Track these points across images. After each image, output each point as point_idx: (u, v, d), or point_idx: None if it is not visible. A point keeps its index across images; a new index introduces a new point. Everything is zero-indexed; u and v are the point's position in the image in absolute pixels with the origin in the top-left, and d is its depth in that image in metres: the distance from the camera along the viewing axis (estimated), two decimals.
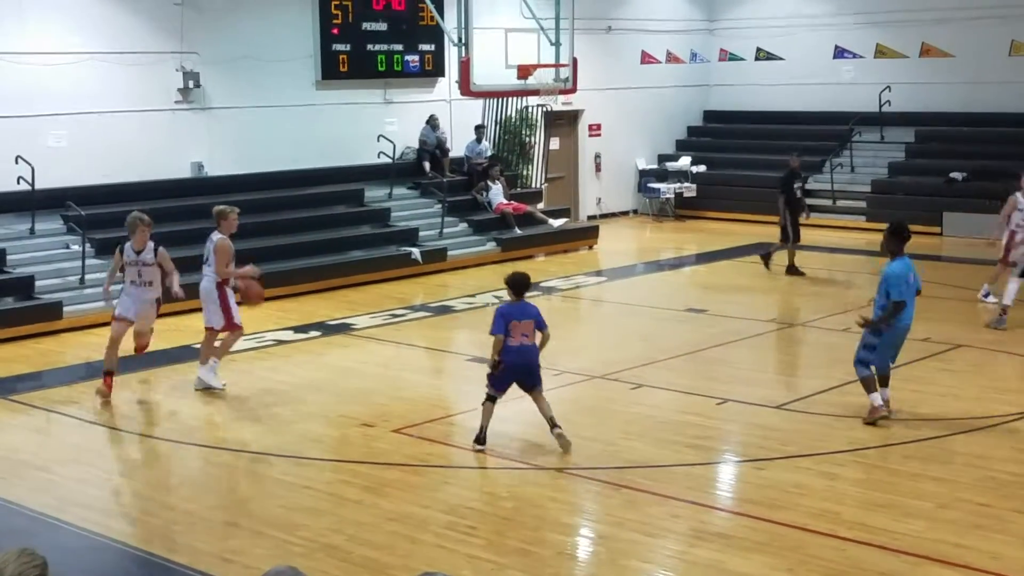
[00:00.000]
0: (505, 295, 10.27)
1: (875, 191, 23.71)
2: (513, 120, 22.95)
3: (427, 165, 21.04)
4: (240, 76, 18.93)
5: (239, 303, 12.22)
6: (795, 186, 18.42)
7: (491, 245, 20.33)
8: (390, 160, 20.55)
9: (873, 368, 10.59)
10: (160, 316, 12.02)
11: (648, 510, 8.57)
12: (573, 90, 20.22)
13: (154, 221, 12.06)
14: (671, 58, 26.67)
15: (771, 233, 21.49)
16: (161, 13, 17.99)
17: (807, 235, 19.27)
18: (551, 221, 21.36)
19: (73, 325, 14.83)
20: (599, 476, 9.33)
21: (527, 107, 22.93)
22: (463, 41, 18.05)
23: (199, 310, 12.39)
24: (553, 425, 9.72)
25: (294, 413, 11.28)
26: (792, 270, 18.29)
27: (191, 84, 18.22)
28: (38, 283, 15.33)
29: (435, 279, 18.56)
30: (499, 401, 9.92)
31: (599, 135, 25.43)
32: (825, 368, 12.85)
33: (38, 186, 16.20)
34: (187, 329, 13.74)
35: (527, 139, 23.22)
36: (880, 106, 24.50)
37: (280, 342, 14.13)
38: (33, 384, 12.65)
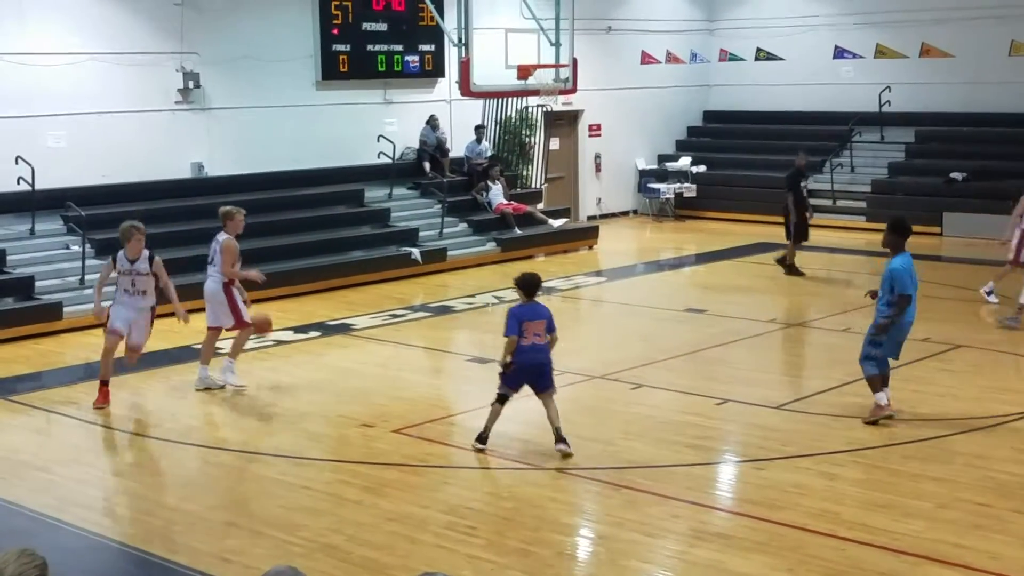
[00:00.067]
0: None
1: (875, 191, 23.71)
2: (513, 120, 22.95)
3: (427, 165, 21.05)
4: (240, 76, 18.94)
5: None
6: (801, 185, 18.42)
7: (491, 245, 20.33)
8: (390, 160, 20.56)
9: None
10: (159, 316, 11.96)
11: (648, 510, 8.57)
12: (573, 90, 20.22)
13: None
14: (671, 58, 26.68)
15: (769, 233, 21.53)
16: (161, 13, 18.00)
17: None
18: (551, 221, 21.37)
19: (73, 325, 14.82)
20: (599, 476, 9.33)
21: (527, 107, 22.94)
22: (463, 41, 18.06)
23: (199, 310, 12.39)
24: (558, 439, 9.67)
25: (293, 413, 11.29)
26: (792, 270, 18.29)
27: (191, 84, 18.22)
28: (38, 283, 15.33)
29: (435, 279, 18.56)
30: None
31: (599, 135, 25.43)
32: (825, 368, 12.86)
33: (38, 186, 16.20)
34: (186, 329, 13.71)
35: (527, 139, 23.22)
36: (880, 106, 24.50)
37: (280, 342, 14.13)
38: (33, 384, 12.66)
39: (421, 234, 19.61)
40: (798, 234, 18.24)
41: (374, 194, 20.29)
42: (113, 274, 11.62)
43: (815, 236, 19.25)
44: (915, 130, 24.51)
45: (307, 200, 19.41)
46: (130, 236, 11.42)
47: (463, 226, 20.60)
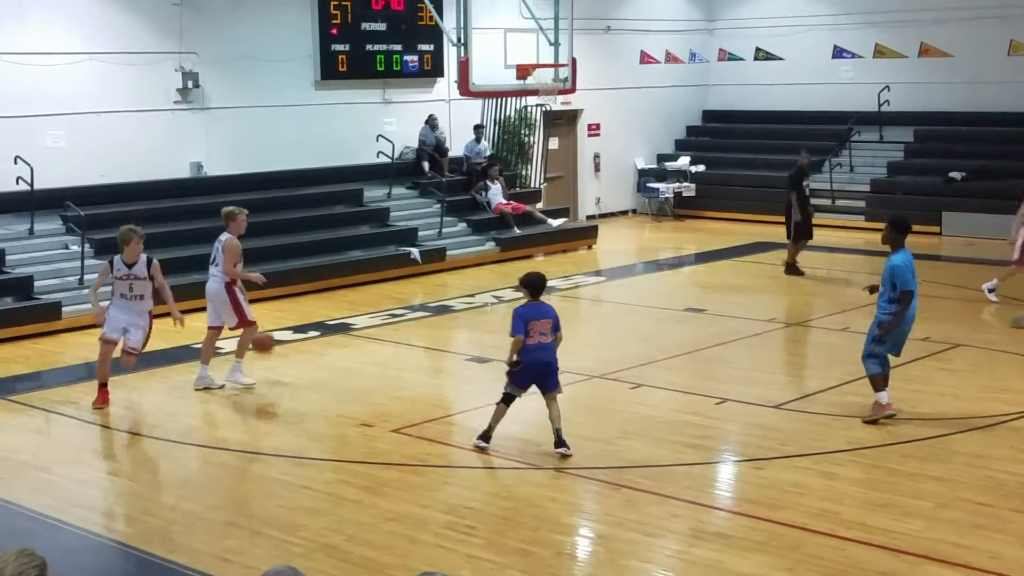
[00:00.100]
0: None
1: (874, 191, 23.71)
2: (512, 120, 22.94)
3: (426, 165, 21.05)
4: (239, 76, 18.93)
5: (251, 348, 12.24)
6: (803, 184, 18.42)
7: (490, 245, 20.33)
8: (389, 160, 20.55)
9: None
10: (157, 316, 11.91)
11: (647, 510, 8.57)
12: (572, 90, 20.23)
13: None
14: (670, 58, 26.68)
15: (768, 232, 21.55)
16: (160, 13, 17.99)
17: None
18: (550, 221, 21.36)
19: (72, 325, 14.82)
20: (598, 476, 9.33)
21: (526, 107, 22.94)
22: (462, 41, 18.07)
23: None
24: (559, 443, 9.66)
25: (293, 413, 11.29)
26: (791, 269, 18.29)
27: (190, 84, 18.22)
28: (37, 283, 15.33)
29: (434, 279, 18.56)
30: (498, 401, 9.90)
31: (598, 135, 25.43)
32: (824, 368, 12.86)
33: (37, 186, 16.19)
34: (185, 329, 13.71)
35: (526, 139, 23.21)
36: (879, 106, 24.51)
37: (279, 342, 14.11)
38: (32, 384, 12.65)
39: (420, 234, 19.61)
40: (799, 233, 18.23)
41: (373, 194, 20.29)
42: (108, 278, 11.53)
43: (815, 235, 19.21)
44: (914, 130, 24.52)
45: (306, 200, 19.41)
46: (129, 239, 11.29)
47: (462, 226, 20.59)
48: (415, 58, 21.23)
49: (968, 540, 7.89)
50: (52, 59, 16.82)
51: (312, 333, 14.83)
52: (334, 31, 20.06)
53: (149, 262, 11.44)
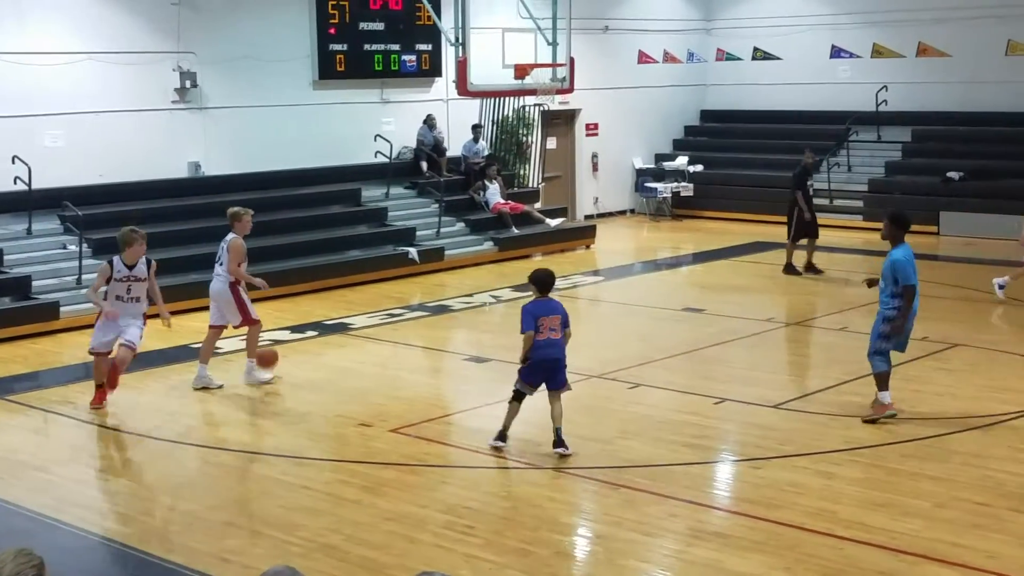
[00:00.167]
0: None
1: (872, 190, 23.72)
2: (510, 120, 22.94)
3: (424, 165, 21.05)
4: (237, 76, 18.93)
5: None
6: (807, 183, 18.41)
7: (488, 245, 20.33)
8: (387, 160, 20.55)
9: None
10: (155, 316, 11.88)
11: (646, 509, 8.57)
12: (570, 90, 20.23)
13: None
14: (668, 58, 26.68)
15: (767, 232, 21.56)
16: (158, 13, 17.99)
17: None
18: (548, 220, 21.36)
19: (70, 325, 14.80)
20: (597, 476, 9.33)
21: (524, 107, 22.94)
22: (460, 41, 18.07)
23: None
24: (558, 442, 9.66)
25: (292, 413, 11.29)
26: (790, 269, 18.30)
27: (188, 84, 18.22)
28: (35, 283, 15.32)
29: (432, 279, 18.56)
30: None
31: (596, 135, 25.43)
32: (822, 367, 12.86)
33: (35, 186, 16.18)
34: (184, 329, 13.72)
35: (524, 139, 23.21)
36: (877, 105, 24.52)
37: (277, 342, 14.11)
38: (30, 384, 12.65)
39: (418, 233, 19.61)
40: (799, 233, 18.21)
41: (371, 193, 20.28)
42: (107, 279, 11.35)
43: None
44: (912, 129, 24.53)
45: (304, 199, 19.40)
46: (133, 241, 11.11)
47: (460, 225, 20.59)
48: (413, 58, 21.23)
49: (966, 540, 7.89)
50: (50, 59, 16.81)
51: (310, 333, 14.83)
52: (332, 31, 20.05)
53: (148, 263, 11.38)
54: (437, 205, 20.35)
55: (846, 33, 25.50)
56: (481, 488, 9.24)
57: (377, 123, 20.83)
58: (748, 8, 26.80)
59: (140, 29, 17.87)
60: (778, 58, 26.42)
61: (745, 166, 25.50)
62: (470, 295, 17.19)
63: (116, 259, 11.22)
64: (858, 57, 25.37)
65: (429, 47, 21.38)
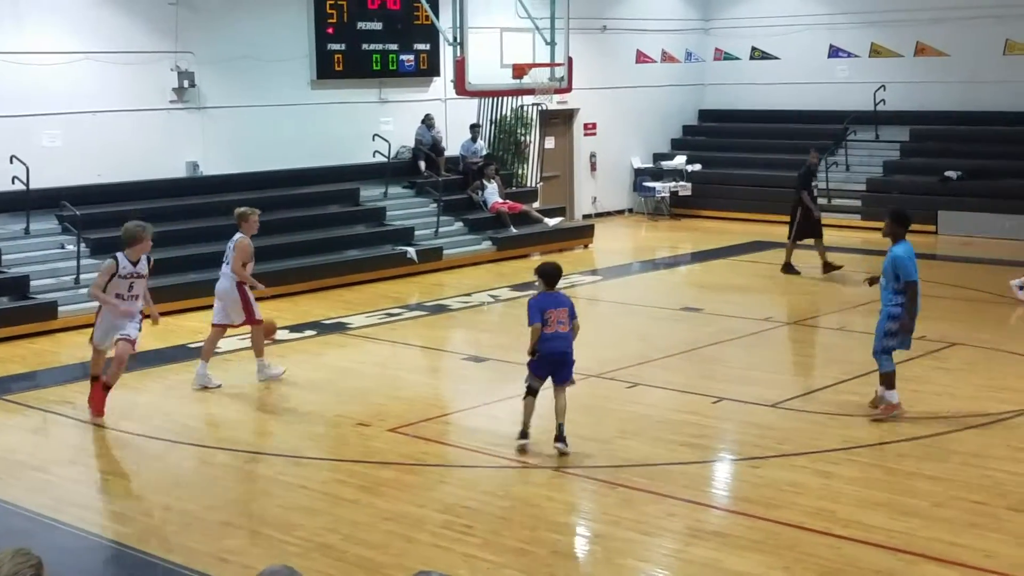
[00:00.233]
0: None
1: (870, 190, 23.73)
2: (508, 119, 22.94)
3: (422, 164, 21.04)
4: (235, 75, 18.92)
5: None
6: (812, 183, 18.42)
7: (487, 244, 20.33)
8: (385, 159, 20.54)
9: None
10: (145, 316, 11.84)
11: (644, 509, 8.58)
12: (568, 89, 20.22)
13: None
14: (666, 57, 26.69)
15: (766, 231, 21.57)
16: (156, 13, 17.98)
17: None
18: (546, 220, 21.36)
19: (68, 325, 14.80)
20: (595, 475, 9.33)
21: (522, 106, 22.93)
22: (458, 40, 18.05)
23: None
24: (558, 437, 9.66)
25: (290, 413, 11.29)
26: (788, 268, 18.30)
27: (186, 84, 18.21)
28: (33, 283, 15.31)
29: (431, 278, 18.56)
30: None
31: (594, 134, 25.43)
32: (821, 366, 12.87)
33: (33, 186, 16.17)
34: (181, 329, 13.73)
35: (522, 138, 23.21)
36: (875, 105, 24.52)
37: (276, 342, 14.10)
38: (28, 384, 12.64)
39: (417, 233, 19.61)
40: (801, 233, 18.20)
41: (369, 193, 20.28)
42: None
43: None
44: (910, 129, 24.54)
45: (302, 199, 19.40)
46: (141, 237, 10.94)
47: (459, 225, 20.59)
48: (411, 57, 21.23)
49: (964, 539, 7.90)
50: (48, 58, 16.80)
51: (308, 333, 14.82)
52: (330, 30, 20.05)
53: (148, 260, 11.33)
54: (435, 205, 20.35)
55: (844, 33, 25.51)
56: (479, 488, 9.23)
57: (375, 123, 20.82)
58: (746, 8, 26.80)
59: (138, 29, 17.87)
60: (776, 58, 26.43)
61: (743, 166, 25.51)
62: (468, 295, 17.19)
63: (120, 256, 11.02)
64: (856, 57, 25.38)
65: (427, 47, 21.38)
